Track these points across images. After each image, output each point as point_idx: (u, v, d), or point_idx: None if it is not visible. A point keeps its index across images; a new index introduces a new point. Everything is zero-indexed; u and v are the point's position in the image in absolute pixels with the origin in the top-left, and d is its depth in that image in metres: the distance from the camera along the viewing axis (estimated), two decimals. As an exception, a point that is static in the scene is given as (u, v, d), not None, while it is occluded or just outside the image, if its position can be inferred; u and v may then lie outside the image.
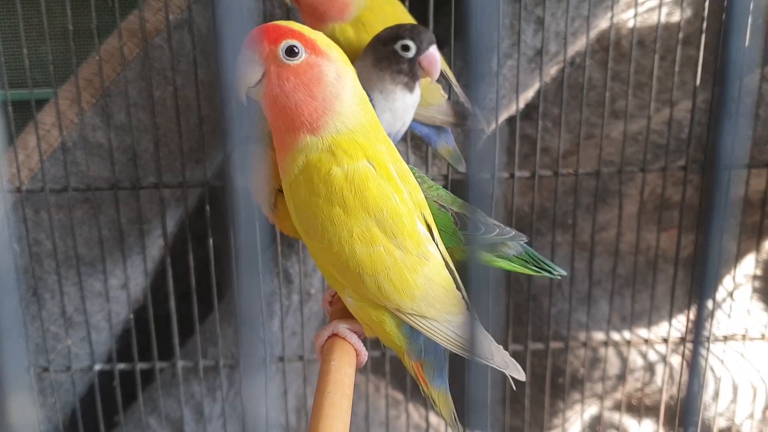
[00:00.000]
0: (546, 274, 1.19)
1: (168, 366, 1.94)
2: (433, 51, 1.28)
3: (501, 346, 1.05)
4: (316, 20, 1.43)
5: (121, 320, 1.94)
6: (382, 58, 1.31)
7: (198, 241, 1.86)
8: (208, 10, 1.72)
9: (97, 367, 1.92)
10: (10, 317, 0.45)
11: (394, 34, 1.31)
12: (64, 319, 1.86)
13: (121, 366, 1.92)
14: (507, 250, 1.16)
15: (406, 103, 1.33)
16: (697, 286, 0.54)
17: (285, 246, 1.88)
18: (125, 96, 1.73)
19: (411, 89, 1.31)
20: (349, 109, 0.96)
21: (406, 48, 1.29)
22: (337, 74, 0.96)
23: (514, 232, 1.15)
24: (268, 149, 1.11)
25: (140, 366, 1.92)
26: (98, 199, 1.79)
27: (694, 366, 0.59)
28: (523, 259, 1.18)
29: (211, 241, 1.83)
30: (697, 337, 0.58)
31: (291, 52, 0.92)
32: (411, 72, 1.30)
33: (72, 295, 1.86)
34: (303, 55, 0.93)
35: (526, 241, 1.18)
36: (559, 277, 1.21)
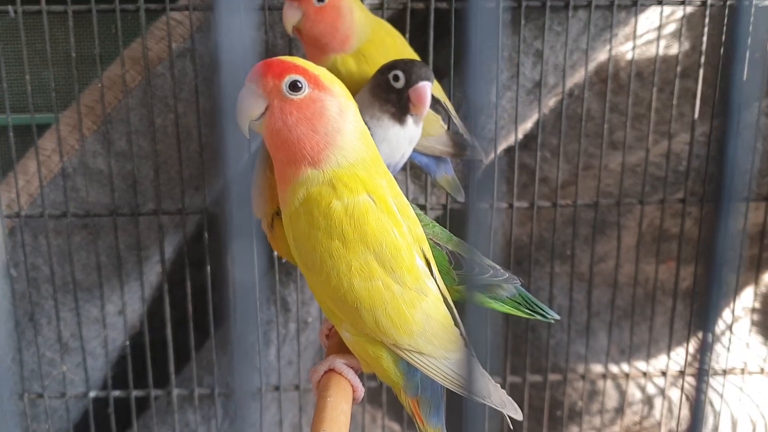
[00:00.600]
0: (539, 317, 1.18)
1: (163, 394, 1.93)
2: (423, 86, 1.29)
3: (498, 385, 1.05)
4: (318, 51, 1.44)
5: (117, 347, 1.94)
6: (376, 86, 1.33)
7: (196, 267, 1.86)
8: (211, 39, 1.73)
9: (92, 393, 1.91)
10: (3, 343, 0.45)
11: (391, 64, 1.32)
12: (59, 345, 1.85)
13: (116, 393, 1.91)
14: (500, 292, 1.16)
15: (398, 135, 1.33)
16: (698, 318, 0.55)
17: (283, 274, 1.88)
18: (126, 123, 1.74)
19: (400, 121, 1.32)
20: (351, 144, 0.97)
21: (396, 78, 1.30)
22: (340, 109, 0.96)
23: (508, 274, 1.14)
24: (267, 170, 1.12)
25: (135, 393, 1.91)
26: (97, 225, 1.79)
27: (697, 398, 0.59)
28: (516, 301, 1.17)
29: (208, 268, 1.83)
30: (700, 371, 0.58)
31: (294, 86, 0.93)
32: (399, 103, 1.30)
33: (68, 321, 1.85)
34: (306, 90, 0.94)
35: (521, 283, 1.18)
36: (552, 321, 1.20)
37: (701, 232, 1.90)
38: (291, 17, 1.40)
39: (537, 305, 1.18)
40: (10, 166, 1.78)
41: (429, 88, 1.29)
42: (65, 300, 1.84)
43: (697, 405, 0.58)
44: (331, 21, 1.42)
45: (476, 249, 1.18)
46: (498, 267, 1.15)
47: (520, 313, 1.17)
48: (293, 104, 0.94)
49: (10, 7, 1.67)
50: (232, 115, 0.93)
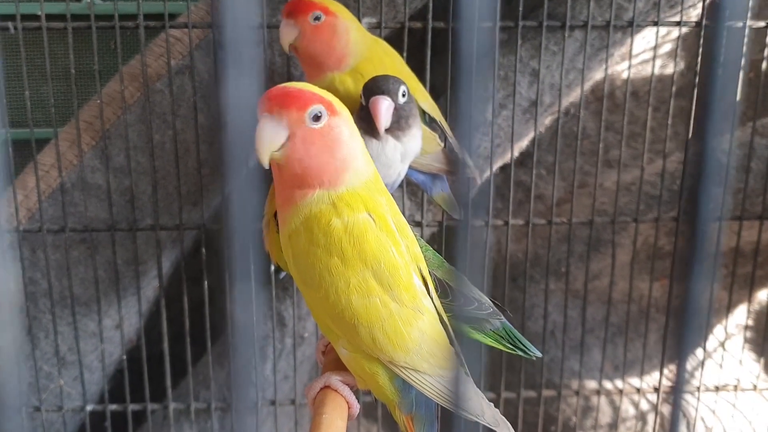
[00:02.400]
0: (520, 353, 1.18)
1: (160, 408, 1.93)
2: (375, 100, 1.29)
3: (492, 403, 1.05)
4: (315, 69, 1.45)
5: (114, 361, 1.94)
6: (360, 106, 1.34)
7: (193, 282, 1.86)
8: (209, 56, 1.74)
9: (89, 407, 1.91)
10: (7, 355, 0.46)
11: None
12: (57, 359, 1.86)
13: (113, 407, 1.91)
14: (484, 324, 1.16)
15: (379, 151, 1.33)
16: (674, 337, 0.55)
17: (279, 289, 1.89)
18: (125, 139, 1.75)
19: (374, 136, 1.32)
20: (362, 165, 0.99)
21: (362, 95, 1.31)
22: (350, 132, 0.98)
23: (492, 309, 1.14)
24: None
25: (132, 407, 1.91)
26: (95, 240, 1.80)
27: (674, 416, 0.60)
28: (499, 335, 1.17)
29: (206, 283, 1.83)
30: (678, 387, 0.59)
31: (316, 116, 0.94)
32: (367, 119, 1.31)
33: (66, 335, 1.86)
34: (325, 118, 0.95)
35: (503, 319, 1.17)
36: (534, 358, 1.20)
37: (675, 251, 1.91)
38: (287, 35, 1.41)
39: (519, 341, 1.18)
40: (9, 181, 1.78)
41: (381, 102, 1.28)
42: (63, 314, 1.84)
43: (673, 421, 0.59)
44: (327, 39, 1.43)
45: (464, 276, 1.19)
46: (484, 300, 1.15)
47: (501, 347, 1.17)
48: (315, 133, 0.95)
49: (10, 23, 1.68)
50: (254, 150, 0.94)
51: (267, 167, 0.96)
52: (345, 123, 0.98)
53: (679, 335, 0.56)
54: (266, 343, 1.89)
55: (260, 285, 1.74)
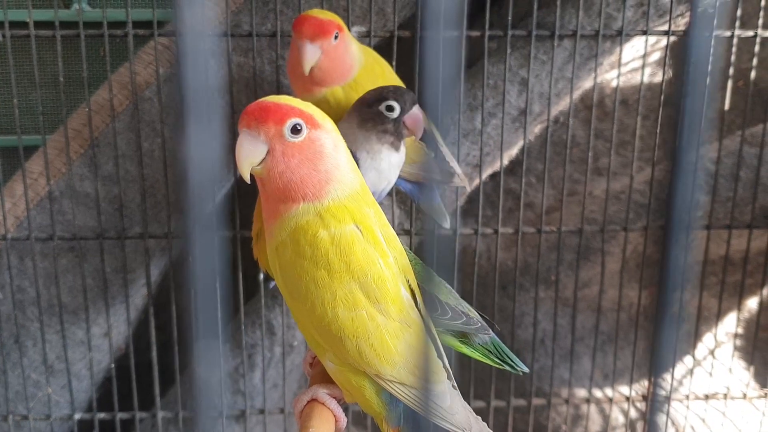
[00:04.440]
0: (507, 368, 1.19)
1: (148, 416, 1.93)
2: (417, 111, 1.31)
3: (479, 417, 1.06)
4: (315, 85, 1.44)
5: (103, 369, 1.94)
6: (367, 119, 1.34)
7: (181, 290, 1.86)
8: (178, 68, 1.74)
9: (77, 415, 1.91)
10: None
11: (379, 95, 1.33)
12: (45, 367, 1.86)
13: (101, 415, 1.91)
14: (473, 338, 1.17)
15: (392, 162, 1.35)
16: (651, 346, 0.56)
17: (269, 298, 1.89)
18: (113, 147, 1.75)
19: (397, 148, 1.34)
20: (347, 176, 1.00)
21: (390, 108, 1.31)
22: (334, 144, 0.99)
23: (480, 324, 1.15)
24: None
25: (120, 416, 1.91)
26: (83, 248, 1.80)
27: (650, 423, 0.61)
28: (487, 349, 1.18)
29: (193, 291, 1.83)
30: (653, 396, 0.60)
31: (295, 130, 0.95)
32: (396, 132, 1.32)
33: (54, 343, 1.86)
34: (305, 131, 0.96)
35: (492, 334, 1.18)
36: (521, 374, 1.21)
37: (643, 260, 1.92)
38: (312, 58, 1.38)
39: (507, 356, 1.19)
40: (-4, 188, 1.78)
41: (421, 112, 1.31)
42: (51, 322, 1.84)
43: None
44: (341, 56, 1.43)
45: (453, 290, 1.20)
46: (473, 315, 1.15)
47: (489, 362, 1.18)
48: (295, 147, 0.96)
49: (-1, 31, 1.69)
50: (236, 165, 0.94)
51: (249, 182, 0.97)
52: (328, 135, 0.98)
53: (654, 343, 0.56)
54: (255, 352, 1.89)
55: (249, 293, 1.74)
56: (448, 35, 0.48)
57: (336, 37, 1.39)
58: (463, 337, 1.17)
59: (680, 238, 0.51)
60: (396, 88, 1.35)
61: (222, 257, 0.48)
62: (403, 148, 1.36)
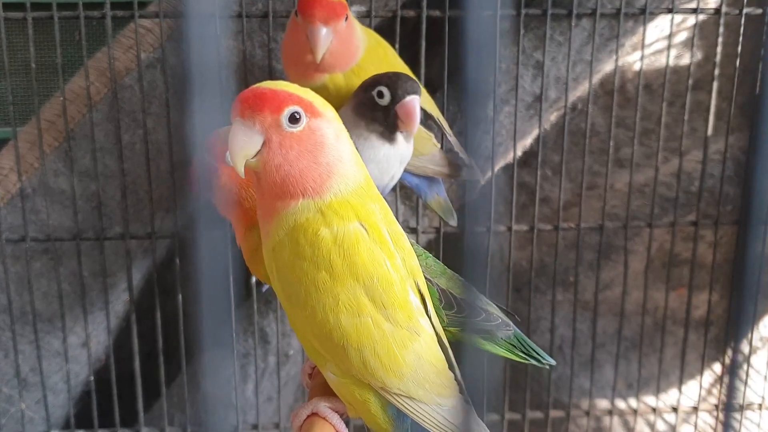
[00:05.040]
0: (533, 362, 1.18)
1: (131, 433, 1.91)
2: (411, 100, 1.28)
3: (494, 433, 1.04)
4: (315, 72, 1.41)
5: (81, 382, 1.92)
6: (360, 104, 1.32)
7: (166, 296, 1.84)
8: (182, 49, 1.72)
9: (53, 433, 1.89)
10: None
11: (374, 80, 1.31)
12: (18, 380, 1.84)
13: (80, 433, 1.89)
14: (494, 334, 1.16)
15: (388, 155, 1.32)
16: (719, 349, 0.54)
17: (261, 303, 1.87)
18: (91, 139, 1.73)
19: (389, 140, 1.31)
20: (351, 170, 0.97)
21: (381, 95, 1.29)
22: (336, 135, 0.96)
23: (501, 319, 1.13)
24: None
25: (100, 433, 1.89)
26: (59, 251, 1.78)
27: None
28: (511, 344, 1.17)
29: (180, 296, 1.81)
30: (728, 407, 0.57)
31: (293, 119, 0.92)
32: (386, 121, 1.30)
33: (27, 354, 1.84)
34: (304, 121, 0.93)
35: (514, 327, 1.17)
36: (547, 367, 1.20)
37: (715, 257, 1.91)
38: (326, 42, 1.35)
39: (533, 349, 1.17)
40: (-37, 185, 1.76)
41: (417, 102, 1.28)
42: (24, 331, 1.82)
43: None
44: (350, 39, 1.41)
45: (471, 285, 1.18)
46: (492, 309, 1.14)
47: (514, 357, 1.17)
48: (293, 137, 0.93)
49: (-36, 13, 1.66)
50: (231, 159, 0.92)
51: (243, 176, 0.94)
52: (329, 125, 0.96)
53: (731, 347, 0.54)
54: (248, 362, 1.87)
55: (240, 298, 1.72)
56: (486, 14, 0.46)
57: (346, 19, 1.37)
58: (486, 333, 1.15)
59: (758, 232, 0.49)
60: (394, 74, 1.32)
61: (229, 252, 0.46)
62: (402, 142, 1.33)
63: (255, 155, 0.93)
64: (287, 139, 0.93)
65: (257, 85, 0.96)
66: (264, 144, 0.93)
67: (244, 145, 0.93)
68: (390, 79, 1.30)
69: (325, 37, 1.34)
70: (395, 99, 1.28)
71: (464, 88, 0.45)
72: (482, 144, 1.80)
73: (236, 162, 0.93)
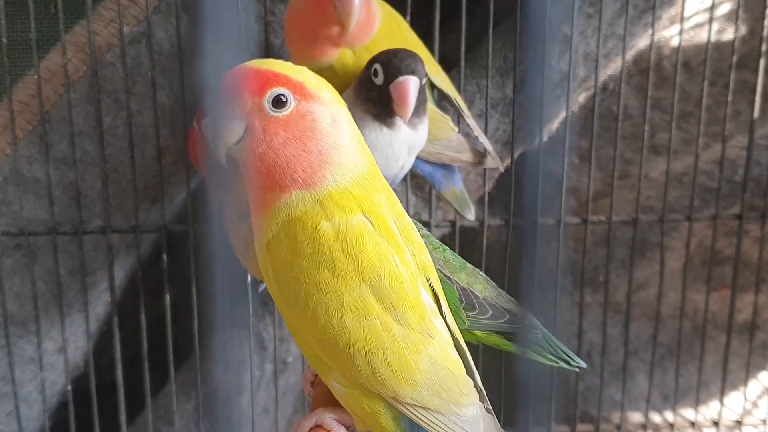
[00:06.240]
0: (563, 364, 1.18)
1: (113, 448, 1.92)
2: (403, 81, 1.27)
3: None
4: (328, 47, 1.41)
5: (57, 391, 1.93)
6: (359, 83, 1.33)
7: (152, 296, 1.85)
8: (171, 22, 1.72)
9: (27, 448, 1.90)
10: None
11: (375, 56, 1.31)
12: (-13, 390, 1.85)
13: (56, 448, 1.91)
14: (521, 336, 1.16)
15: (390, 141, 1.32)
16: None
17: (258, 304, 1.87)
18: (68, 123, 1.73)
19: (386, 124, 1.31)
20: (349, 158, 0.97)
21: (375, 73, 1.29)
22: (332, 119, 0.96)
23: (528, 319, 1.14)
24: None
25: (79, 448, 1.90)
26: (33, 246, 1.78)
27: None
28: (540, 345, 1.17)
29: (167, 297, 1.82)
30: None
31: (278, 102, 0.92)
32: (381, 102, 1.29)
33: (-2, 361, 1.85)
34: (292, 104, 0.93)
35: (543, 328, 1.18)
36: (577, 369, 1.20)
37: (761, 254, 1.91)
38: (358, 9, 1.35)
39: (562, 350, 1.18)
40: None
41: (412, 84, 1.27)
42: (-6, 336, 1.83)
43: None
44: (370, 7, 1.41)
45: (492, 282, 1.18)
46: (516, 310, 1.14)
47: (541, 359, 1.18)
48: (278, 122, 0.93)
49: (-72, -17, 1.67)
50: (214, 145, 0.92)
51: (224, 165, 0.95)
52: (323, 108, 0.95)
53: None
54: (242, 370, 1.88)
55: (234, 300, 1.73)
56: None
57: None
58: (510, 333, 1.15)
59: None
60: (392, 50, 1.32)
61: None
62: (403, 126, 1.33)
63: (237, 142, 0.94)
64: (272, 125, 0.93)
65: (241, 65, 0.96)
66: (246, 130, 0.93)
67: (223, 131, 0.94)
68: (386, 56, 1.30)
69: (358, 4, 1.34)
70: (388, 78, 1.28)
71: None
72: (500, 128, 1.81)
73: (216, 149, 0.94)
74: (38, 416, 1.93)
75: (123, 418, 1.88)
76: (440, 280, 1.08)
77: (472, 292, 1.12)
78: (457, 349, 1.02)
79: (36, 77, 1.72)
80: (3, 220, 1.76)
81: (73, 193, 1.77)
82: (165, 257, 1.81)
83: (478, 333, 1.15)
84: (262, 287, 1.80)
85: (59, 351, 1.88)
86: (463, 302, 1.11)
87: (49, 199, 1.76)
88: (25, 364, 1.86)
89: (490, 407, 1.04)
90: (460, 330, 1.08)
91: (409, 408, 0.98)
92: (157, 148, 1.75)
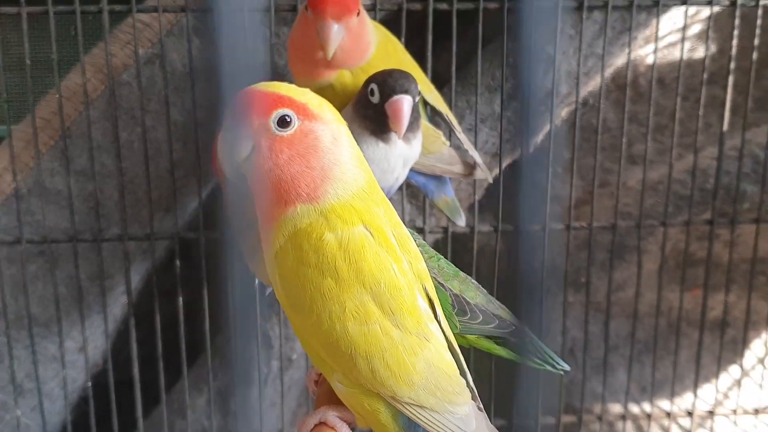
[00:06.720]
0: (548, 367, 1.18)
1: (130, 440, 1.91)
2: (397, 100, 1.27)
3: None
4: (324, 70, 1.40)
5: (78, 387, 1.92)
6: (357, 100, 1.32)
7: (166, 298, 1.84)
8: (183, 44, 1.72)
9: (50, 440, 1.89)
10: None
11: (370, 77, 1.31)
12: (13, 387, 1.83)
13: (77, 440, 1.89)
14: (508, 340, 1.16)
15: (387, 155, 1.32)
16: None
17: (265, 306, 1.86)
18: (88, 138, 1.72)
19: (382, 139, 1.31)
20: (350, 173, 0.96)
21: (372, 92, 1.29)
22: (333, 137, 0.95)
23: (516, 326, 1.13)
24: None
25: (98, 440, 1.89)
26: (55, 253, 1.78)
27: None
28: (527, 350, 1.17)
29: (180, 299, 1.81)
30: None
31: (283, 122, 0.92)
32: (377, 119, 1.29)
33: (23, 360, 1.84)
34: (296, 123, 0.92)
35: (529, 333, 1.17)
36: (562, 372, 1.20)
37: (731, 256, 1.90)
38: (337, 39, 1.34)
39: (548, 355, 1.17)
40: (-44, 186, 1.76)
41: (405, 102, 1.27)
42: (19, 336, 1.82)
43: None
44: (362, 35, 1.40)
45: (483, 289, 1.18)
46: (505, 316, 1.14)
47: (528, 362, 1.17)
48: (283, 141, 0.92)
49: (-43, 9, 1.66)
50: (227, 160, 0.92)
51: (233, 180, 0.95)
52: (325, 127, 0.95)
53: None
54: (251, 367, 1.87)
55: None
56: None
57: (357, 14, 1.36)
58: (499, 338, 1.15)
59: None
60: (388, 71, 1.31)
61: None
62: (399, 141, 1.32)
63: (246, 159, 0.93)
64: (277, 143, 0.92)
65: (250, 87, 0.95)
66: (253, 148, 0.93)
67: (233, 148, 0.93)
68: (381, 77, 1.29)
69: (336, 33, 1.33)
70: (383, 97, 1.28)
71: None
72: (489, 141, 1.81)
73: (225, 166, 0.94)
74: (60, 411, 1.92)
75: (140, 412, 1.87)
76: (435, 287, 1.08)
77: (464, 298, 1.11)
78: (450, 352, 1.01)
79: (57, 96, 1.72)
80: (27, 229, 1.76)
81: (92, 203, 1.77)
82: (178, 262, 1.80)
83: (470, 337, 1.14)
84: (268, 290, 1.79)
85: (80, 350, 1.87)
86: (455, 308, 1.11)
87: (70, 209, 1.75)
88: (48, 362, 1.86)
89: (481, 405, 1.03)
90: (453, 334, 1.07)
91: (407, 407, 0.98)
92: (170, 162, 1.75)
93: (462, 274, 1.16)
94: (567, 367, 1.18)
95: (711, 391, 2.03)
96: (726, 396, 2.04)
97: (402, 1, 1.71)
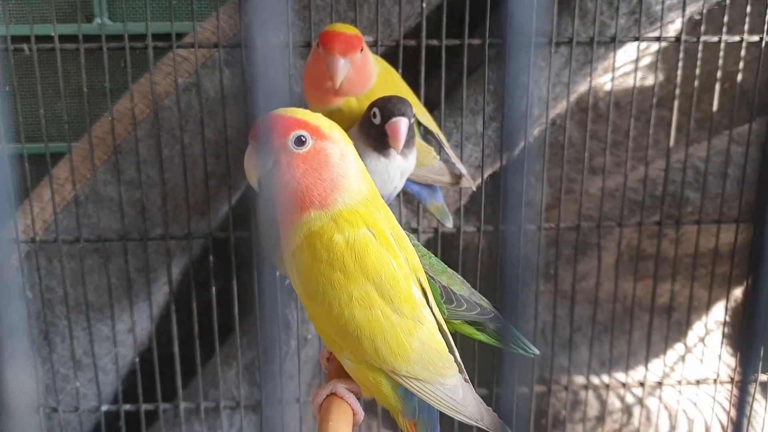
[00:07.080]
0: (521, 351, 1.18)
1: (171, 407, 1.91)
2: (396, 122, 1.27)
3: (490, 408, 1.04)
4: (333, 97, 1.41)
5: (127, 363, 1.92)
6: (362, 123, 1.33)
7: (201, 288, 1.84)
8: (215, 75, 1.72)
9: (104, 407, 1.89)
10: (21, 360, 0.45)
11: (373, 102, 1.32)
12: (73, 362, 1.84)
13: (127, 407, 1.89)
14: (487, 325, 1.16)
15: (387, 167, 1.32)
16: (745, 331, 0.54)
17: (284, 293, 1.87)
18: (135, 153, 1.73)
19: (383, 153, 1.31)
20: (355, 184, 0.97)
21: (374, 115, 1.29)
22: (341, 154, 0.96)
23: (494, 313, 1.14)
24: None
25: (145, 407, 1.89)
26: (108, 250, 1.78)
27: (741, 408, 0.58)
28: (501, 335, 1.17)
29: (213, 288, 1.81)
30: (744, 380, 0.57)
31: (299, 141, 0.93)
32: (378, 137, 1.30)
33: (81, 339, 1.84)
34: (310, 143, 0.94)
35: (504, 320, 1.17)
36: (532, 356, 1.20)
37: (676, 252, 1.91)
38: (344, 72, 1.35)
39: (520, 340, 1.18)
40: (25, 193, 1.76)
41: (402, 123, 1.28)
42: (78, 320, 1.82)
43: (739, 416, 0.58)
44: (365, 68, 1.40)
45: (467, 282, 1.18)
46: (485, 304, 1.15)
47: (503, 346, 1.17)
48: (299, 157, 0.93)
49: (25, 45, 1.66)
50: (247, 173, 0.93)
51: (257, 190, 0.96)
52: (334, 146, 0.96)
53: (746, 335, 0.54)
54: (273, 344, 1.87)
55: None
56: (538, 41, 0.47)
57: (361, 50, 1.37)
58: (479, 325, 1.16)
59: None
60: (387, 97, 1.32)
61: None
62: (397, 156, 1.33)
63: (268, 172, 0.94)
64: (294, 159, 0.94)
65: (272, 112, 0.96)
66: (274, 163, 0.94)
67: (256, 164, 0.95)
68: (382, 102, 1.30)
69: (343, 67, 1.34)
70: (384, 119, 1.29)
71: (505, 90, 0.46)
72: (473, 155, 1.81)
73: (250, 178, 0.96)
74: (113, 382, 1.92)
75: (179, 382, 1.88)
76: (427, 279, 1.08)
77: (451, 289, 1.12)
78: (441, 333, 1.02)
79: (110, 118, 1.72)
80: (84, 230, 1.76)
81: (139, 208, 1.77)
82: (211, 258, 1.80)
83: (455, 322, 1.15)
84: (287, 281, 1.80)
85: (129, 331, 1.87)
86: (444, 297, 1.11)
87: (121, 213, 1.75)
88: (102, 341, 1.86)
89: (467, 377, 1.04)
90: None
91: (405, 379, 0.98)
92: (205, 173, 1.75)
93: (450, 270, 1.17)
94: (537, 351, 1.19)
95: (659, 365, 2.03)
96: (672, 369, 2.04)
97: (399, 38, 1.71)
